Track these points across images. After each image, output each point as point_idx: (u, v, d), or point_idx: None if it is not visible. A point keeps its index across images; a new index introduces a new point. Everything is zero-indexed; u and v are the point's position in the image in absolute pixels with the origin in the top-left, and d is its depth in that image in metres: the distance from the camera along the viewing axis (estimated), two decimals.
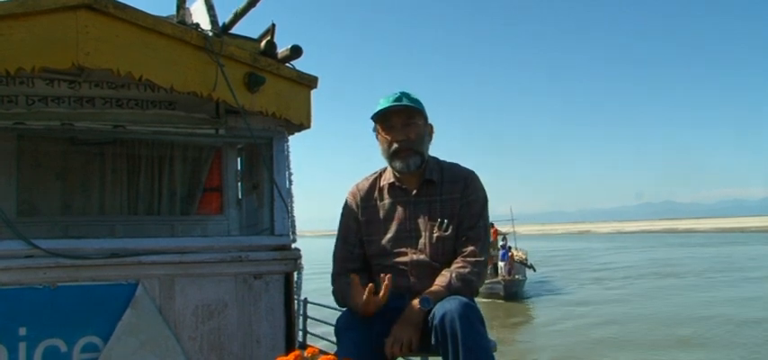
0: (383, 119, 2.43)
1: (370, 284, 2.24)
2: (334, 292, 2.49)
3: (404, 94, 2.43)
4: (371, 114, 2.45)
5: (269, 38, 2.85)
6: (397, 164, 2.41)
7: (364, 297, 2.22)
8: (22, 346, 2.38)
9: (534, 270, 23.45)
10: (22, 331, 2.39)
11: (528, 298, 20.40)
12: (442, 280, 2.29)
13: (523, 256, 25.09)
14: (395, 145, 2.40)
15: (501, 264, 21.63)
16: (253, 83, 2.70)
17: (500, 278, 21.00)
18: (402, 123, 2.40)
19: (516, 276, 21.44)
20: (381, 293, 2.22)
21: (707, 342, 11.97)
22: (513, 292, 20.45)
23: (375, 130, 2.49)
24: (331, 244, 2.63)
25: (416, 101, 2.43)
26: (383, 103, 2.41)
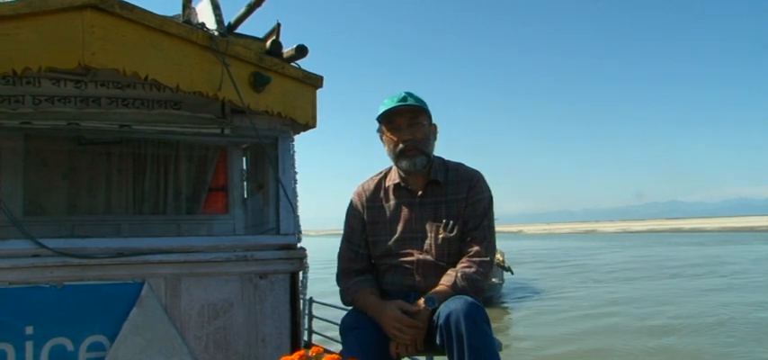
0: (388, 119, 2.42)
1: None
2: (341, 292, 2.50)
3: (408, 94, 2.42)
4: (376, 115, 2.45)
5: (274, 37, 2.86)
6: (404, 163, 2.41)
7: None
8: (29, 345, 2.40)
9: (511, 273, 22.65)
10: (29, 330, 2.40)
11: (505, 302, 19.65)
12: (447, 279, 2.29)
13: (500, 259, 24.01)
14: (400, 145, 2.39)
15: None
16: (258, 82, 2.71)
17: None
18: (407, 123, 2.40)
19: (492, 279, 19.94)
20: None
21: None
22: (488, 297, 18.91)
23: (380, 130, 2.48)
24: (336, 243, 2.63)
25: (421, 100, 2.42)
26: (387, 104, 2.40)
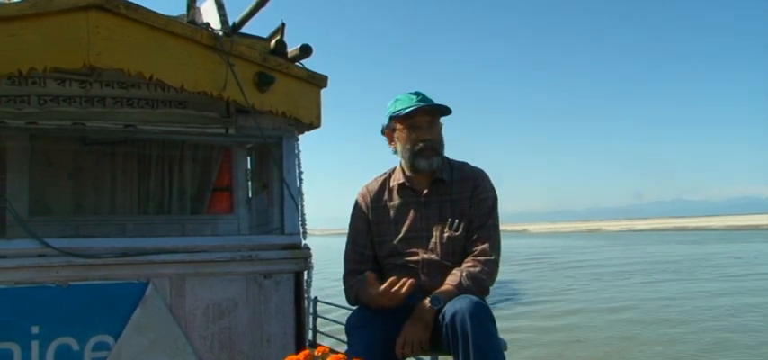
0: (407, 117, 2.42)
1: (392, 278, 2.24)
2: (346, 291, 2.50)
3: (423, 94, 2.43)
4: (394, 112, 2.43)
5: (279, 37, 2.86)
6: (422, 163, 2.40)
7: (382, 288, 2.22)
8: (35, 345, 2.40)
9: None
10: (35, 329, 2.41)
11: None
12: (452, 279, 2.29)
13: None
14: (420, 144, 2.39)
15: None
16: (262, 82, 2.71)
17: None
18: (428, 123, 2.41)
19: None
20: (402, 289, 2.22)
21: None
22: None
23: (391, 127, 2.47)
24: (340, 242, 2.63)
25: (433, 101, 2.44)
26: (404, 102, 2.40)
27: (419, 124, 2.40)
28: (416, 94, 2.42)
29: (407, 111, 2.39)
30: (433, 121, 2.42)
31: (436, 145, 2.41)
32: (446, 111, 2.43)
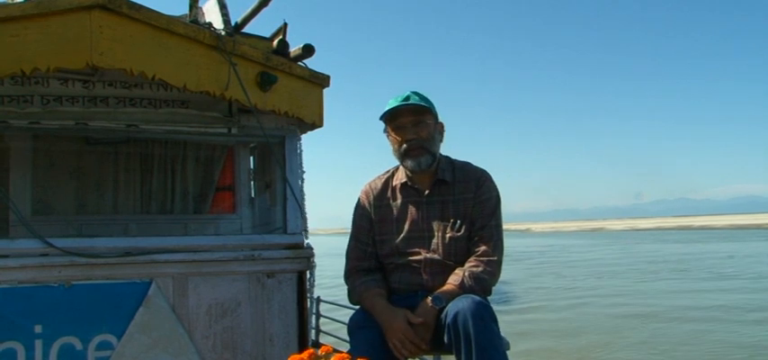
0: (393, 118, 2.42)
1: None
2: (348, 291, 2.50)
3: (413, 93, 2.42)
4: (381, 115, 2.45)
5: (281, 37, 2.86)
6: (409, 163, 2.40)
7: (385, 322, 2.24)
8: (38, 344, 2.41)
9: None
10: (38, 329, 2.41)
11: None
12: (454, 279, 2.29)
13: None
14: (405, 144, 2.39)
15: None
16: (265, 82, 2.71)
17: None
18: (412, 122, 2.40)
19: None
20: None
21: None
22: None
23: (385, 130, 2.48)
24: (339, 242, 2.63)
25: (425, 99, 2.42)
26: (392, 103, 2.41)
27: (403, 124, 2.40)
28: (406, 93, 2.42)
29: (388, 112, 2.40)
30: (419, 119, 2.40)
31: (424, 143, 2.39)
32: (424, 109, 2.41)
